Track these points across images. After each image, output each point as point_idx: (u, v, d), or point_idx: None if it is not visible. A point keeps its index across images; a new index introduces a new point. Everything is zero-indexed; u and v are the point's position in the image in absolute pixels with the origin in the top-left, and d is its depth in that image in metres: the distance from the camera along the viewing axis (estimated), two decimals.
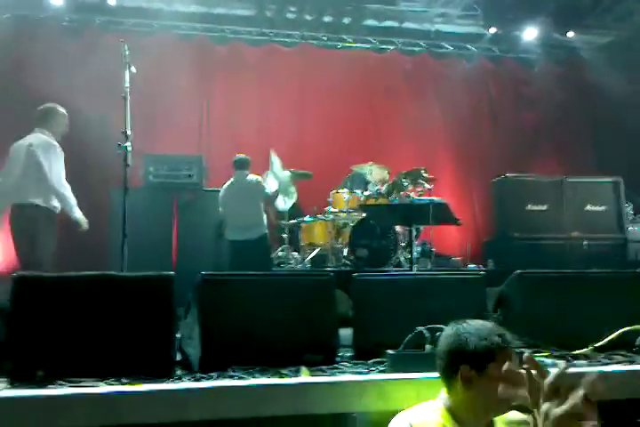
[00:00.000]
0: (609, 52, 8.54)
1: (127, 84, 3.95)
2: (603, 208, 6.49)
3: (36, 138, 4.67)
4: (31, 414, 2.09)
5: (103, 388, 2.19)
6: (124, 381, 2.32)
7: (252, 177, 5.90)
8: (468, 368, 1.88)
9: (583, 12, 8.10)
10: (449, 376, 1.95)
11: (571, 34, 8.48)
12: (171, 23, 8.20)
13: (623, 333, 2.87)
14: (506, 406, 1.83)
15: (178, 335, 2.92)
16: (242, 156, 6.10)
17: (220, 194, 5.92)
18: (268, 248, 6.00)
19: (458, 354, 1.93)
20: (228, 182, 5.96)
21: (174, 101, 7.85)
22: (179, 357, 2.85)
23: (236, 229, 5.70)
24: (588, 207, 6.47)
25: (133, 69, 4.00)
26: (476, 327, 1.95)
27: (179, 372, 2.64)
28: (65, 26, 7.92)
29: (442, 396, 2.01)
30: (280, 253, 6.49)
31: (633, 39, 8.11)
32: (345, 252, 6.14)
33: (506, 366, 1.61)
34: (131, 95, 4.05)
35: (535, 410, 1.14)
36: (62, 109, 4.86)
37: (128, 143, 3.77)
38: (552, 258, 5.93)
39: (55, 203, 4.57)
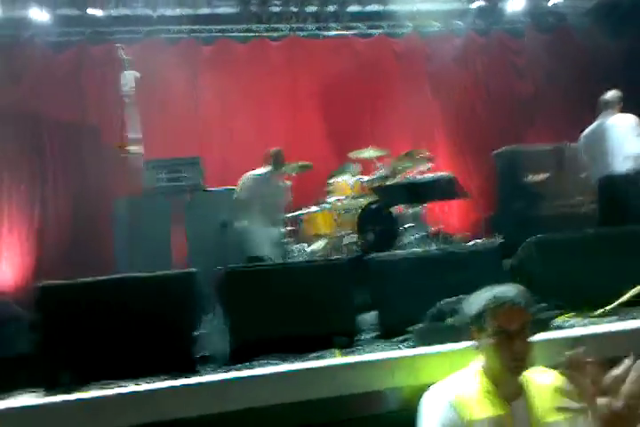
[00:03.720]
0: (595, 15, 8.49)
1: (133, 89, 3.95)
2: None
3: None
4: (71, 418, 2.13)
5: (142, 386, 2.23)
6: (158, 378, 2.36)
7: None
8: (474, 328, 2.00)
9: None
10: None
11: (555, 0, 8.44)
12: (158, 28, 8.21)
13: None
14: (514, 366, 1.89)
15: (202, 331, 2.96)
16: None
17: None
18: None
19: (468, 317, 2.05)
20: None
21: (167, 105, 7.88)
22: (202, 353, 2.88)
23: None
24: None
25: (137, 74, 4.01)
26: (485, 291, 2.03)
27: (205, 367, 2.67)
28: (53, 41, 7.92)
29: (476, 361, 2.06)
30: None
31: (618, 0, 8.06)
32: (349, 239, 6.13)
33: None
34: (129, 101, 4.06)
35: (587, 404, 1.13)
36: None
37: (137, 147, 3.79)
38: (557, 227, 5.87)
39: None
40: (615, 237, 3.44)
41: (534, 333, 1.99)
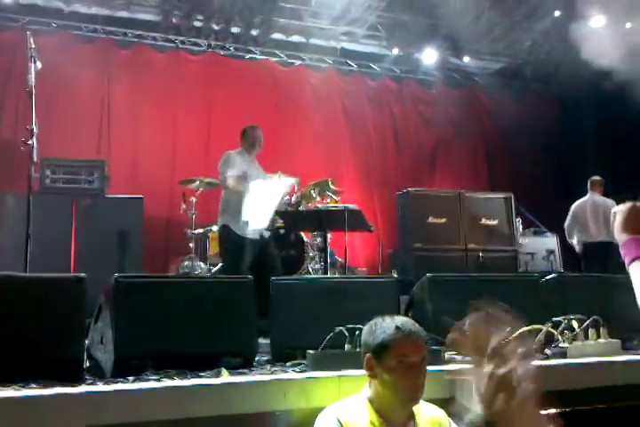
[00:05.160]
0: (500, 77, 9.15)
1: (33, 79, 3.70)
2: (495, 222, 6.85)
3: None
4: None
5: (11, 392, 2.03)
6: (32, 386, 2.16)
7: None
8: (370, 358, 1.98)
9: (477, 39, 8.64)
10: (363, 368, 2.02)
11: (466, 59, 9.01)
12: (70, 23, 7.87)
13: (522, 333, 3.05)
14: (411, 398, 1.91)
15: (86, 341, 2.78)
16: None
17: None
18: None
19: (365, 345, 2.04)
20: None
21: (73, 104, 7.53)
22: (87, 363, 2.71)
23: None
24: (483, 221, 6.80)
25: (39, 65, 3.77)
26: (386, 321, 2.02)
27: (89, 378, 2.51)
28: None
29: (365, 390, 2.05)
30: (186, 263, 6.32)
31: (522, 66, 8.74)
32: None
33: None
34: (27, 95, 3.80)
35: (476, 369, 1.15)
36: None
37: (33, 140, 3.54)
38: (450, 269, 6.16)
39: None
40: (503, 282, 3.64)
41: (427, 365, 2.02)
